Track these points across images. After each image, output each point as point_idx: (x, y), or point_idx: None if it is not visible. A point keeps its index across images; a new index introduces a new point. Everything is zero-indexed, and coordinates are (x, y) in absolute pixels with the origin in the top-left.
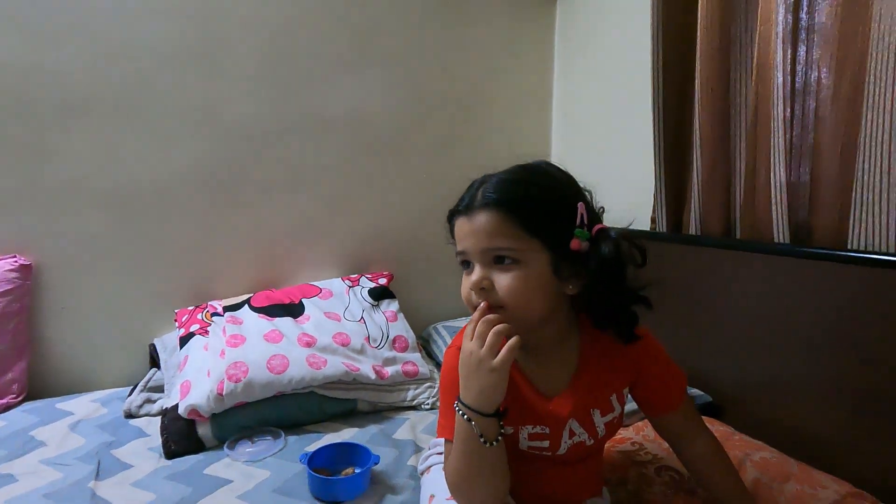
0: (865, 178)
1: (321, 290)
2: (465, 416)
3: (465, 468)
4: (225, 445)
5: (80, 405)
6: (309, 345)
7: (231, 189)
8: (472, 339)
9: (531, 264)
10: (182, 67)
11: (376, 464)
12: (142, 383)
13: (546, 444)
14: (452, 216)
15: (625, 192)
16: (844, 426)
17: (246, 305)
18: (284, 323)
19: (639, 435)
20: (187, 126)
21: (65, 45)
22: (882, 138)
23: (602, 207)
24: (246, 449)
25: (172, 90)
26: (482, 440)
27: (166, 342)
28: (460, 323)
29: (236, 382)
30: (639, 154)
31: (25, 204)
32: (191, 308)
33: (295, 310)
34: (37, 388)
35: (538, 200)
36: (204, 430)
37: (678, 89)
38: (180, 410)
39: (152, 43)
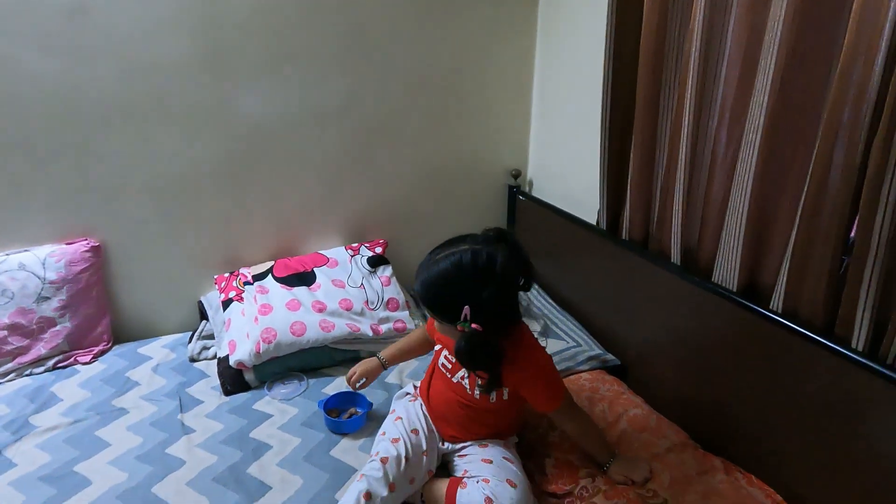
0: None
1: (328, 259)
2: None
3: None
4: (265, 386)
5: (154, 350)
6: (320, 311)
7: (248, 174)
8: None
9: (439, 322)
10: (197, 74)
11: (371, 407)
12: (197, 333)
13: (450, 367)
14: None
15: (590, 180)
16: (698, 389)
17: (270, 275)
18: (301, 292)
19: None
20: (206, 124)
21: (98, 62)
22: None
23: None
24: (280, 390)
25: (191, 94)
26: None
27: (210, 300)
28: None
29: (268, 343)
30: (596, 151)
31: (87, 196)
32: (226, 275)
33: (308, 278)
34: (119, 336)
35: (437, 301)
36: (249, 376)
37: (627, 94)
38: (231, 363)
39: (169, 55)
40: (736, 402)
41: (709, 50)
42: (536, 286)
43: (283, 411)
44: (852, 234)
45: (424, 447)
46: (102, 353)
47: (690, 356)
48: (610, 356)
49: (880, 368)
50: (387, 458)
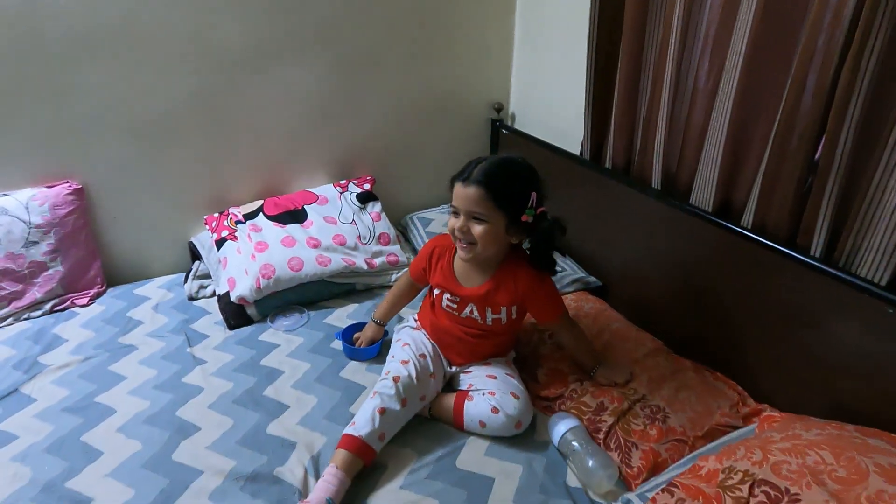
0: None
1: (318, 196)
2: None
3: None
4: (267, 319)
5: (151, 290)
6: (315, 246)
7: (229, 110)
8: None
9: (493, 223)
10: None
11: (387, 335)
12: (192, 273)
13: (455, 306)
14: (454, 179)
15: (575, 111)
16: (673, 302)
17: (261, 213)
18: (294, 229)
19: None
20: (181, 56)
21: None
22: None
23: (545, 195)
24: (283, 322)
25: (163, 24)
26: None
27: (202, 241)
28: (431, 213)
29: (268, 279)
30: (582, 83)
31: (63, 137)
32: (216, 215)
33: (300, 216)
34: (112, 279)
35: (506, 188)
36: (251, 311)
37: (613, 25)
38: (232, 298)
39: None
40: (706, 312)
41: None
42: None
43: (288, 341)
44: (817, 155)
45: (432, 369)
46: (98, 295)
47: (667, 274)
48: (592, 278)
49: (832, 271)
50: (398, 377)
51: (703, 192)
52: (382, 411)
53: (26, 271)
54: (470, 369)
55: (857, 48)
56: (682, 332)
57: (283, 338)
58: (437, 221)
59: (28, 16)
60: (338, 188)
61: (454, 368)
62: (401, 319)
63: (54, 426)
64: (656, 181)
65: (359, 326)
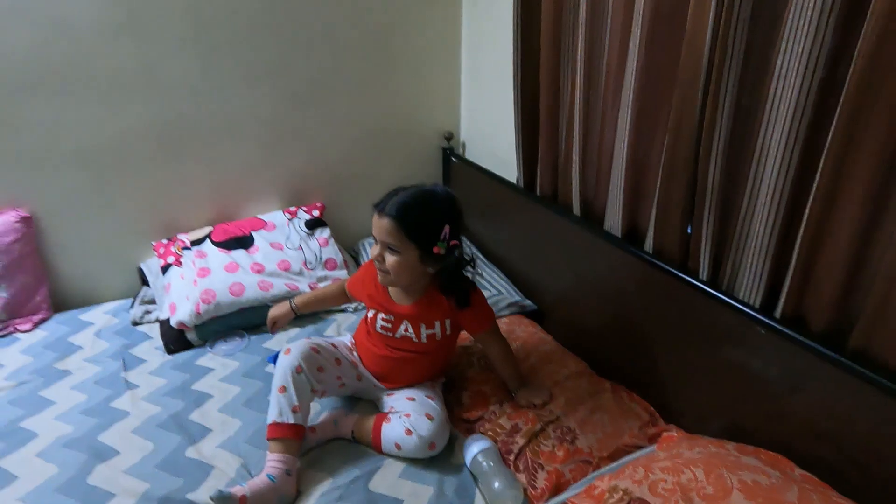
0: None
1: (266, 223)
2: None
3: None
4: (206, 344)
5: (96, 316)
6: (259, 272)
7: (180, 140)
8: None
9: (405, 255)
10: (115, 38)
11: None
12: (139, 298)
13: (389, 325)
14: (374, 208)
15: (509, 144)
16: (595, 325)
17: (207, 239)
18: (238, 254)
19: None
20: (131, 90)
21: (8, 23)
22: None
23: (461, 227)
24: (222, 346)
25: (111, 60)
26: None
27: (150, 266)
28: None
29: (208, 304)
30: None
31: (12, 166)
32: (164, 241)
33: (246, 242)
34: (60, 305)
35: (418, 221)
36: (191, 335)
37: (533, 65)
38: (172, 323)
39: (84, 18)
40: (624, 334)
41: (594, 20)
42: (468, 241)
43: (224, 365)
44: None
45: (339, 358)
46: (43, 320)
47: (591, 297)
48: (528, 302)
49: (715, 293)
50: (290, 348)
51: (614, 218)
52: (282, 389)
53: None
54: (393, 392)
55: (716, 80)
56: (605, 355)
57: (220, 362)
58: None
59: None
60: (287, 214)
61: (384, 392)
62: None
63: None
64: (576, 208)
65: None
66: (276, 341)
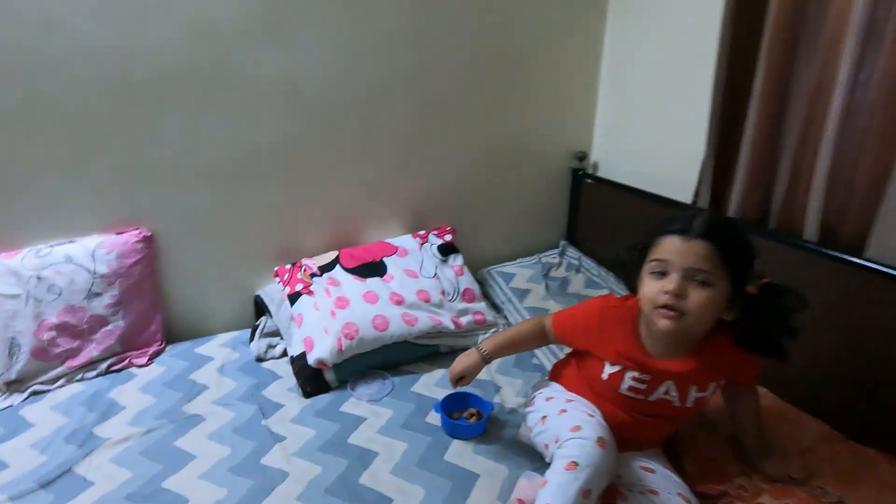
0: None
1: (397, 248)
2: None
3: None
4: (348, 386)
5: (213, 349)
6: (399, 303)
7: (307, 158)
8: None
9: (718, 290)
10: (259, 38)
11: (493, 409)
12: (259, 330)
13: (643, 387)
14: (663, 232)
15: (671, 162)
16: (839, 375)
17: (338, 265)
18: (375, 283)
19: None
20: (271, 102)
21: (151, 27)
22: None
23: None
24: (365, 390)
25: (255, 68)
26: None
27: (271, 294)
28: (510, 268)
29: (351, 339)
30: (689, 126)
31: (139, 182)
32: (288, 266)
33: (379, 268)
34: (170, 335)
35: (739, 246)
36: (329, 376)
37: (742, 67)
38: (310, 362)
39: (229, 18)
40: (886, 387)
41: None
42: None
43: (375, 413)
44: None
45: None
46: (157, 353)
47: (825, 339)
48: None
49: None
50: (603, 439)
51: (888, 244)
52: (588, 493)
53: (85, 326)
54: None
55: None
56: (852, 413)
57: (368, 409)
58: (520, 276)
59: (117, 56)
60: (417, 239)
61: None
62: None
63: None
64: (812, 232)
65: (459, 397)
66: (422, 384)
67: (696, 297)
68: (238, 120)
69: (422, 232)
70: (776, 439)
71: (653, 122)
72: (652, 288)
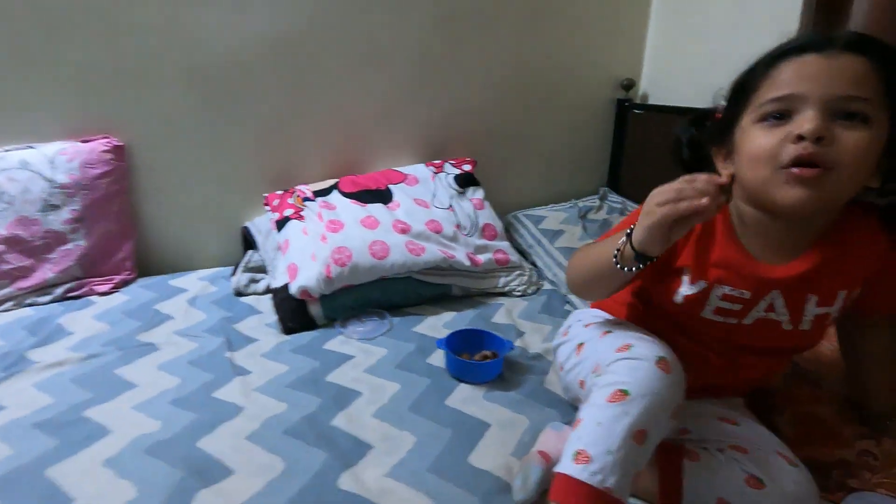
0: None
1: (406, 175)
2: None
3: (590, 275)
4: (336, 324)
5: (190, 282)
6: (404, 231)
7: (309, 64)
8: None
9: (876, 131)
10: None
11: (511, 350)
12: (242, 264)
13: (737, 307)
14: (785, 53)
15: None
16: None
17: (335, 191)
18: (377, 209)
19: None
20: None
21: None
22: None
23: None
24: (357, 328)
25: None
26: (615, 261)
27: (259, 226)
28: (541, 212)
29: (342, 266)
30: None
31: (108, 82)
32: (279, 192)
33: (384, 196)
34: (143, 266)
35: None
36: (315, 310)
37: None
38: (292, 291)
39: None
40: None
41: None
42: None
43: (366, 351)
44: None
45: None
46: (125, 283)
47: None
48: None
49: None
50: (665, 360)
51: None
52: (641, 436)
53: (39, 242)
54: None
55: None
56: None
57: (358, 347)
58: (552, 219)
59: None
60: (431, 168)
61: None
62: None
63: (15, 450)
64: None
65: (469, 333)
66: (428, 325)
67: (850, 139)
68: (218, 10)
69: (437, 161)
70: None
71: (718, 30)
72: (769, 139)
